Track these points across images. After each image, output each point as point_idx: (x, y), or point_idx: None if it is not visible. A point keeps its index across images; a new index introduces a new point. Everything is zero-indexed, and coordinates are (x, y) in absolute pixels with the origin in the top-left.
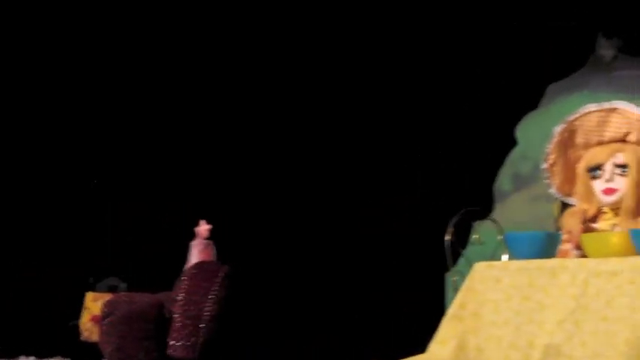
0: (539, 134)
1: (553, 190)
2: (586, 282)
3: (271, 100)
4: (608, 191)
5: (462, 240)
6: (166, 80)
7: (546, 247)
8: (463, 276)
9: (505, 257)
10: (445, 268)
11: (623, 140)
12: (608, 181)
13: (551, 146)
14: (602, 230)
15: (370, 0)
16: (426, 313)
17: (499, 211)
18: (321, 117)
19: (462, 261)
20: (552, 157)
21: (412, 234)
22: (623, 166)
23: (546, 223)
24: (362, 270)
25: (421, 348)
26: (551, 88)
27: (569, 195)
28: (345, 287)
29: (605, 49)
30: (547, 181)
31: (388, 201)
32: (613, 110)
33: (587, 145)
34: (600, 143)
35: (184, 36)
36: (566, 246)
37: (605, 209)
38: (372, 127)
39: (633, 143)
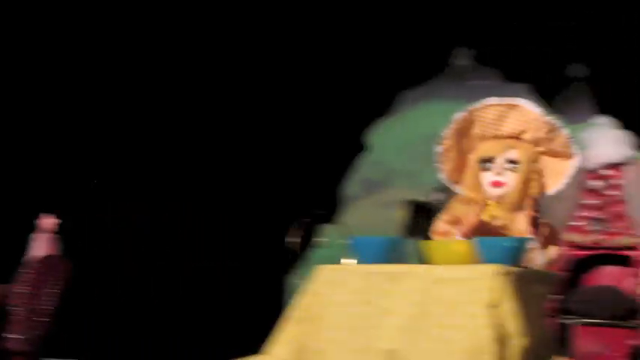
0: (391, 141)
1: (442, 176)
2: (428, 288)
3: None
4: (497, 184)
5: (307, 243)
6: None
7: (391, 252)
8: (306, 279)
9: (350, 261)
10: (289, 270)
11: (517, 137)
12: (498, 174)
13: (448, 132)
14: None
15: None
16: (268, 315)
17: (346, 216)
18: (163, 118)
19: (306, 264)
20: (447, 142)
21: (257, 236)
22: (514, 162)
23: (392, 228)
24: (205, 270)
25: (262, 349)
26: (404, 95)
27: (457, 183)
28: (188, 287)
29: (461, 59)
30: (437, 164)
31: (234, 202)
32: (513, 107)
33: (483, 138)
34: (496, 137)
35: None
36: (445, 227)
37: (489, 201)
38: (220, 126)
39: (527, 142)
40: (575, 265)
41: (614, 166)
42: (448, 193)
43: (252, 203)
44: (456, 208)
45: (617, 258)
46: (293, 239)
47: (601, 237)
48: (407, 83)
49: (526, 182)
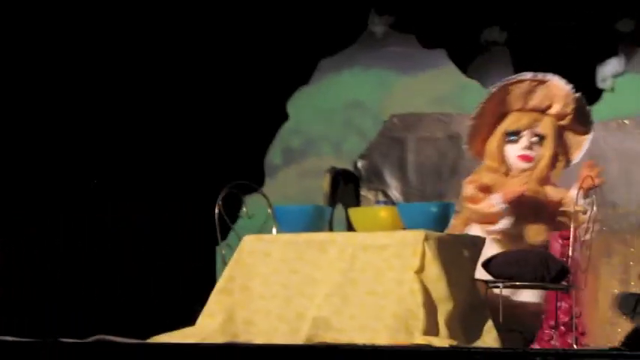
0: (310, 109)
1: (465, 146)
2: (354, 256)
3: None
4: (525, 157)
5: (232, 213)
6: None
7: (315, 220)
8: (233, 249)
9: (275, 231)
10: (215, 242)
11: (543, 111)
12: (525, 148)
13: (484, 103)
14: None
15: None
16: (197, 286)
17: (269, 185)
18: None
19: (232, 234)
20: (483, 112)
21: (183, 207)
22: (540, 136)
23: (316, 197)
24: (134, 242)
25: (192, 321)
26: (323, 63)
27: (479, 153)
28: (117, 259)
29: (377, 26)
30: (468, 135)
31: (158, 173)
32: (543, 82)
33: (510, 110)
34: (522, 110)
35: None
36: (476, 194)
37: (514, 173)
38: (139, 97)
39: (553, 116)
40: None
41: None
42: (370, 160)
43: (175, 176)
44: (483, 176)
45: None
46: (219, 209)
47: None
48: (324, 51)
49: (553, 156)
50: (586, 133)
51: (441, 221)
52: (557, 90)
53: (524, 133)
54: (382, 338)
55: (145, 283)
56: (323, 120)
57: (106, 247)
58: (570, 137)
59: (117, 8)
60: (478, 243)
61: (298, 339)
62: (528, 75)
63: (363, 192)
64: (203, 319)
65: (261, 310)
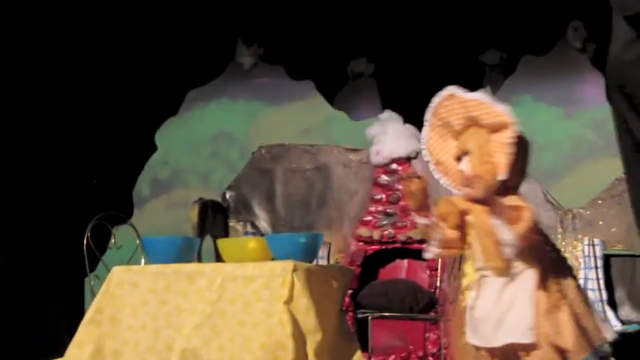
0: (178, 140)
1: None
2: (223, 287)
3: None
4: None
5: (101, 245)
6: None
7: (184, 251)
8: (101, 280)
9: (143, 262)
10: (84, 273)
11: (469, 126)
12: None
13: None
14: None
15: None
16: (66, 318)
17: (138, 216)
18: None
19: (100, 265)
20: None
21: (52, 238)
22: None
23: (184, 228)
24: (1, 273)
25: (61, 352)
26: (191, 94)
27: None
28: None
29: (245, 57)
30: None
31: (26, 204)
32: (451, 97)
33: (458, 133)
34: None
35: None
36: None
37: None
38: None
39: (476, 125)
40: (367, 259)
41: (403, 160)
42: (239, 191)
43: (47, 206)
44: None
45: (413, 252)
46: (89, 240)
47: (391, 231)
48: (192, 82)
49: (480, 169)
50: (505, 127)
51: (309, 252)
52: (463, 99)
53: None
54: None
55: (13, 314)
56: (191, 151)
57: None
58: (497, 138)
59: None
60: (347, 273)
61: None
62: (435, 98)
63: (232, 223)
64: (72, 350)
65: (129, 342)
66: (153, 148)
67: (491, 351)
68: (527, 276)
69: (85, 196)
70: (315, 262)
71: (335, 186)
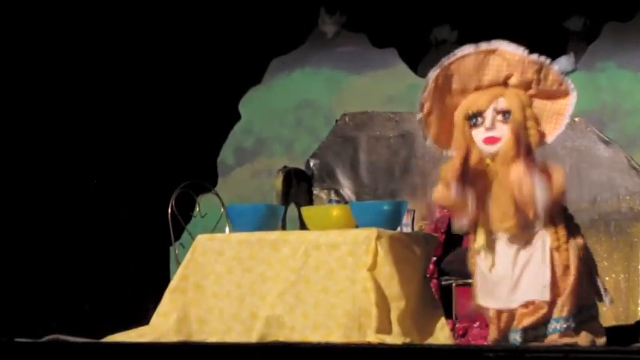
0: (262, 109)
1: (429, 142)
2: (307, 254)
3: None
4: (490, 140)
5: (185, 213)
6: None
7: (268, 219)
8: (186, 249)
9: (228, 230)
10: (169, 241)
11: (503, 84)
12: (488, 129)
13: (425, 94)
14: None
15: None
16: (152, 286)
17: (222, 185)
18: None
19: (185, 234)
20: (427, 105)
21: (137, 206)
22: (505, 112)
23: (269, 196)
24: (89, 242)
25: (146, 320)
26: (274, 63)
27: (447, 147)
28: (72, 259)
29: (328, 25)
30: (422, 132)
31: (112, 173)
32: (492, 52)
33: (465, 91)
34: (478, 88)
35: None
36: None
37: (488, 160)
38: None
39: (515, 86)
40: (451, 226)
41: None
42: (322, 159)
43: (130, 175)
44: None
45: None
46: (173, 209)
47: None
48: (275, 51)
49: (522, 132)
50: (564, 95)
51: (393, 219)
52: (511, 56)
53: (487, 112)
54: (335, 336)
55: (99, 283)
56: (275, 120)
57: (60, 247)
58: (548, 106)
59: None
60: (430, 241)
61: (251, 338)
62: (470, 48)
63: (316, 191)
64: (157, 318)
65: (214, 309)
66: (237, 116)
67: (499, 313)
68: (543, 236)
69: (169, 164)
70: (398, 230)
71: (419, 153)
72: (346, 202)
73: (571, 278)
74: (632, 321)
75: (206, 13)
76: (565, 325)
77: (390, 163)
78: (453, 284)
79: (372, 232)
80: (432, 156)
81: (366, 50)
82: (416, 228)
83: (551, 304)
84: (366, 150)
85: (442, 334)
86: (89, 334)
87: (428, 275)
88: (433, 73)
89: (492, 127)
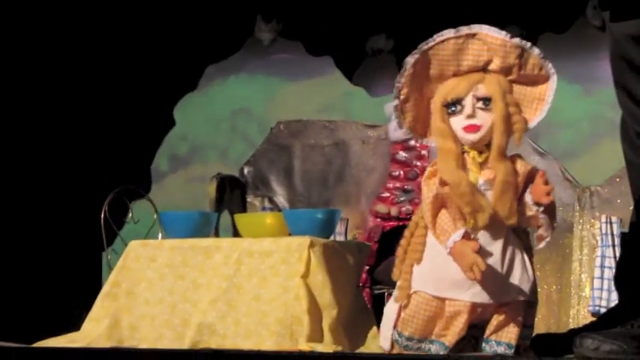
0: (196, 116)
1: (405, 130)
2: (239, 261)
3: None
4: (470, 128)
5: (118, 219)
6: None
7: (201, 226)
8: (118, 254)
9: (160, 236)
10: (101, 247)
11: (483, 69)
12: (469, 117)
13: (402, 80)
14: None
15: None
16: (83, 292)
17: (156, 191)
18: None
19: (118, 240)
20: (404, 91)
21: (69, 212)
22: (485, 99)
23: (202, 203)
24: (19, 245)
25: (78, 326)
26: (209, 69)
27: (424, 135)
28: (1, 263)
29: (264, 33)
30: (397, 120)
31: (45, 176)
32: (472, 36)
33: (443, 77)
34: (457, 74)
35: None
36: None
37: (467, 148)
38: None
39: (495, 72)
40: (385, 235)
41: None
42: (257, 167)
43: (64, 180)
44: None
45: None
46: (105, 215)
47: (409, 207)
48: (211, 58)
49: (505, 119)
50: (544, 80)
51: (326, 228)
52: (492, 40)
53: (466, 99)
54: (267, 344)
55: (29, 287)
56: (209, 126)
57: None
58: (528, 92)
59: None
60: (363, 249)
61: (183, 345)
62: (450, 32)
63: (250, 198)
64: (88, 324)
65: (146, 316)
66: (171, 123)
67: (472, 307)
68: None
69: (102, 169)
70: (332, 238)
71: (353, 162)
72: (280, 210)
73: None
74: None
75: (142, 17)
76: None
77: (324, 171)
78: (385, 293)
79: (305, 240)
80: (365, 165)
81: (302, 58)
82: (349, 237)
83: None
84: (300, 158)
85: (374, 343)
86: (18, 339)
87: (361, 284)
88: (412, 58)
89: (473, 114)
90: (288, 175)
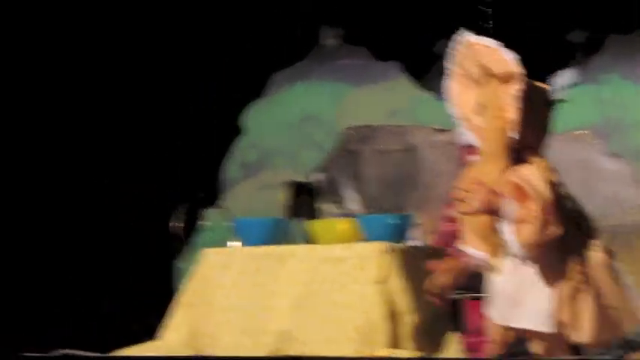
0: (265, 123)
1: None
2: (315, 268)
3: None
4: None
5: (191, 227)
6: None
7: (275, 233)
8: (192, 263)
9: (235, 244)
10: (173, 255)
11: (481, 77)
12: None
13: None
14: None
15: None
16: (156, 301)
17: (228, 199)
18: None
19: (190, 248)
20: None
21: (142, 221)
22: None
23: (274, 209)
24: (92, 257)
25: (151, 335)
26: (276, 77)
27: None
28: (75, 275)
29: (329, 39)
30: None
31: (117, 188)
32: (471, 45)
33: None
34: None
35: None
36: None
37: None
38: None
39: (490, 78)
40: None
41: None
42: (327, 173)
43: (134, 189)
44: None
45: None
46: (177, 224)
47: None
48: (276, 65)
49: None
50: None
51: (400, 233)
52: (479, 47)
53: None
54: (346, 351)
55: (104, 297)
56: (278, 133)
57: (65, 260)
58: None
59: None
60: (440, 254)
61: (263, 352)
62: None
63: (320, 205)
64: (168, 333)
65: (223, 324)
66: (236, 131)
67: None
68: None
69: (174, 178)
70: (406, 244)
71: (423, 167)
72: (352, 216)
73: (585, 307)
74: None
75: (207, 27)
76: None
77: (394, 176)
78: (464, 298)
79: (382, 245)
80: (436, 170)
81: (369, 63)
82: (423, 242)
83: None
84: (370, 163)
85: (452, 348)
86: (93, 348)
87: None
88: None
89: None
90: (358, 181)
